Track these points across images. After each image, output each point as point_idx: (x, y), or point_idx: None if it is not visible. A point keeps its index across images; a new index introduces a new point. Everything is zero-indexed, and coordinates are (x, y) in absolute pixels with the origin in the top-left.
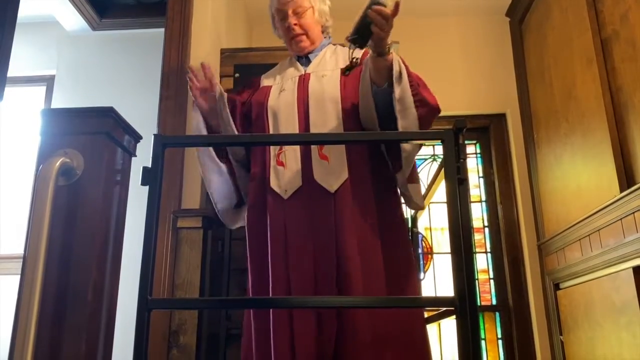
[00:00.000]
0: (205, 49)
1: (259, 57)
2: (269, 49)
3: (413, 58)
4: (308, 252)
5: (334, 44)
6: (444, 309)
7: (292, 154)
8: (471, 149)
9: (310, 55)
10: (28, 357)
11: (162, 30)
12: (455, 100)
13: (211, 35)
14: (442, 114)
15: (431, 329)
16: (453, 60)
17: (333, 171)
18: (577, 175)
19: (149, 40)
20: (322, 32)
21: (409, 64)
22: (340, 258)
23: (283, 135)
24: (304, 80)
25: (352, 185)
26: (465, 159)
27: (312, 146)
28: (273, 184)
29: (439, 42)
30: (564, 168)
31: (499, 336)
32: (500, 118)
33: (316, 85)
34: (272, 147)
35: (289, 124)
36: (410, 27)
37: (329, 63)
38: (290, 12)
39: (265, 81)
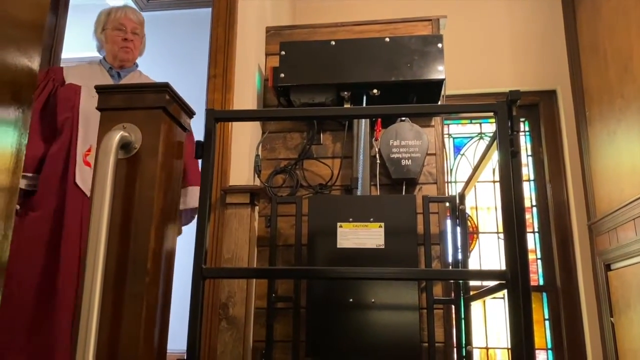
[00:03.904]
0: (251, 28)
1: (305, 34)
2: (314, 26)
3: (460, 32)
4: None
5: (140, 72)
6: (489, 286)
7: None
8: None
9: (121, 72)
10: (93, 322)
11: (207, 10)
12: (503, 76)
13: (257, 13)
14: (489, 90)
15: (475, 306)
16: (501, 34)
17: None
18: (632, 153)
19: (195, 19)
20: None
21: (456, 37)
22: None
23: (345, 109)
24: None
25: None
26: (518, 132)
27: None
28: (78, 181)
29: (486, 15)
30: (618, 145)
31: (546, 317)
32: (551, 95)
33: None
34: (78, 147)
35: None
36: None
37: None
38: (129, 29)
39: (70, 78)
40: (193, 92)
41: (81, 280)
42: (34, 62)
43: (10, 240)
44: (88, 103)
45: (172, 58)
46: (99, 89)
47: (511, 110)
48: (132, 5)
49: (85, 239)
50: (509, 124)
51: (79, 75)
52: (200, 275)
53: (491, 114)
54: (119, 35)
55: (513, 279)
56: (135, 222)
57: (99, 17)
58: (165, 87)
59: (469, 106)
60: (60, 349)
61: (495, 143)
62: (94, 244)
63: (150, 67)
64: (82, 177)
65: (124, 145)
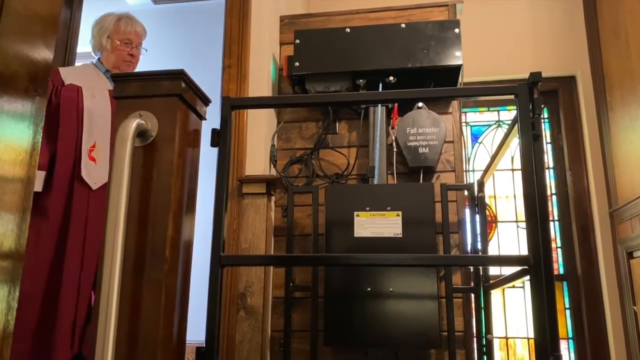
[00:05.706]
0: (265, 17)
1: (319, 23)
2: (328, 14)
3: (477, 18)
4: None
5: None
6: (509, 273)
7: (104, 152)
8: None
9: None
10: (113, 310)
11: (220, 1)
12: (521, 62)
13: (270, 2)
14: (507, 77)
15: (494, 296)
16: (519, 19)
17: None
18: None
19: (208, 11)
20: None
21: (473, 23)
22: None
23: (362, 94)
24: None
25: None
26: (540, 115)
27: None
28: (84, 175)
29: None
30: None
31: (567, 306)
32: (570, 80)
33: None
34: (83, 143)
35: (104, 129)
36: None
37: None
38: (135, 44)
39: (69, 79)
40: (207, 84)
41: (100, 268)
42: (49, 53)
43: (27, 231)
44: (90, 103)
45: (185, 51)
46: (115, 78)
47: (532, 92)
48: None
49: (89, 234)
50: (530, 106)
51: (76, 76)
52: (219, 262)
53: (510, 99)
54: (125, 50)
55: (536, 264)
56: (153, 210)
57: (105, 22)
58: (180, 74)
59: (489, 89)
60: (59, 344)
61: (515, 127)
62: (112, 232)
63: (163, 60)
64: (88, 171)
65: (141, 133)
